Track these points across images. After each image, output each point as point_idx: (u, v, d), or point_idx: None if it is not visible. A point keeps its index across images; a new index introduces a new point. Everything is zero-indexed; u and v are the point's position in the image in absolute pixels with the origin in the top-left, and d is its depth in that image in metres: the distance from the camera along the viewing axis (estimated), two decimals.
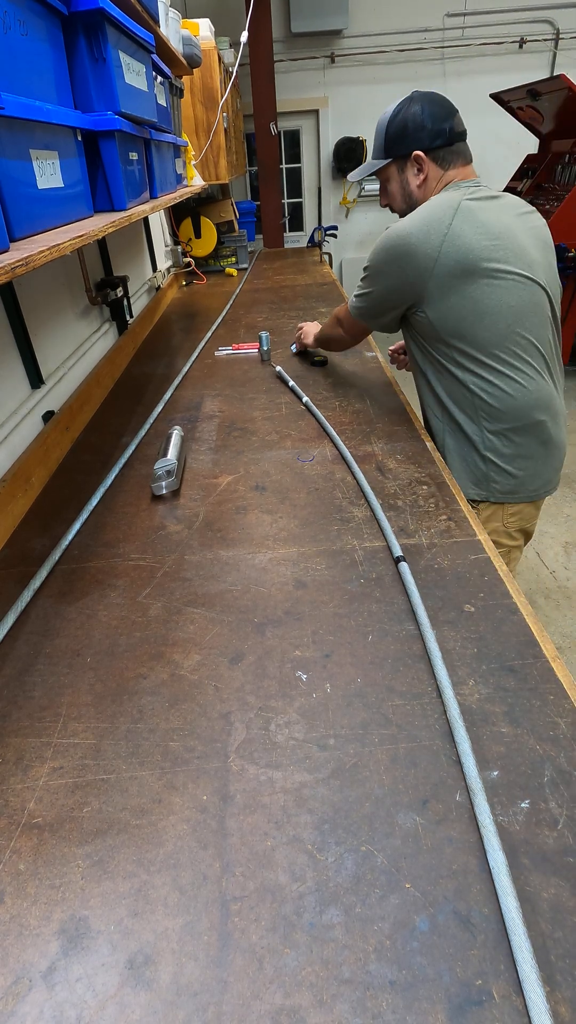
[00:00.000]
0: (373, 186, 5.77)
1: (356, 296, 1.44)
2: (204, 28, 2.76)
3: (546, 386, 1.26)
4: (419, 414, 1.48)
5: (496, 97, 4.60)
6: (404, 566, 0.93)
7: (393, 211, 1.42)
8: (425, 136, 1.25)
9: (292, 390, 1.66)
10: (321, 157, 5.73)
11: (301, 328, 1.89)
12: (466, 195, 1.21)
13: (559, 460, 1.34)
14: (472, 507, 1.32)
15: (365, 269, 1.37)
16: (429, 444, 1.33)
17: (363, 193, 5.83)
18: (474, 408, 1.27)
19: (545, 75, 5.29)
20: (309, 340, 1.82)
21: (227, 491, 1.22)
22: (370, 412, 1.50)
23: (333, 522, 1.08)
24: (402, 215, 1.34)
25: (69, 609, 0.93)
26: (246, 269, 3.56)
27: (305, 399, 1.57)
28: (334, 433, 1.38)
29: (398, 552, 0.96)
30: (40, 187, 0.88)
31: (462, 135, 1.28)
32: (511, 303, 1.19)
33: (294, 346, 1.97)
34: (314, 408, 1.51)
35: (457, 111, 1.27)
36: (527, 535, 1.40)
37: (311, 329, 1.84)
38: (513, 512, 1.33)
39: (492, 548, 0.98)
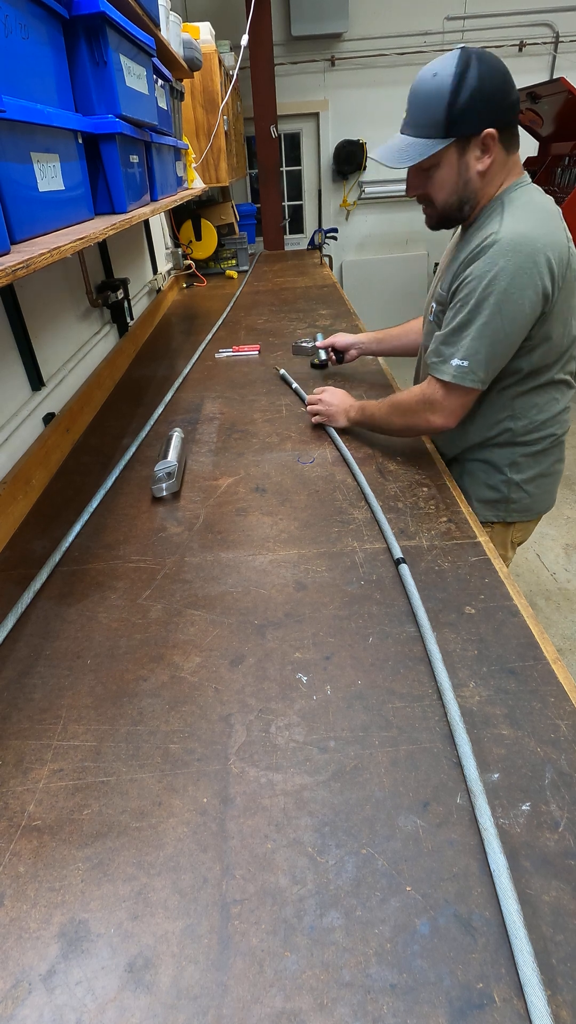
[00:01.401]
0: (373, 188, 5.78)
1: (467, 352, 1.06)
2: (204, 31, 2.77)
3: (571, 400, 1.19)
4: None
5: None
6: (404, 568, 0.93)
7: (427, 203, 1.12)
8: (496, 111, 0.98)
9: (296, 392, 1.66)
10: (321, 160, 5.74)
11: (319, 401, 1.40)
12: (541, 194, 1.07)
13: (561, 472, 1.32)
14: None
15: (472, 306, 1.04)
16: (430, 446, 1.33)
17: (363, 195, 5.84)
18: (514, 430, 1.18)
19: (545, 78, 5.29)
20: (341, 422, 1.36)
21: (227, 493, 1.22)
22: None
23: (333, 524, 1.08)
24: (446, 211, 1.11)
25: (69, 611, 0.93)
26: (246, 271, 3.57)
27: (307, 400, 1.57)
28: (335, 435, 1.38)
29: (398, 554, 0.96)
30: (41, 190, 0.89)
31: (519, 109, 1.08)
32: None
33: (317, 345, 1.77)
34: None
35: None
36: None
37: (340, 403, 1.37)
38: (519, 530, 1.32)
39: (493, 550, 0.98)
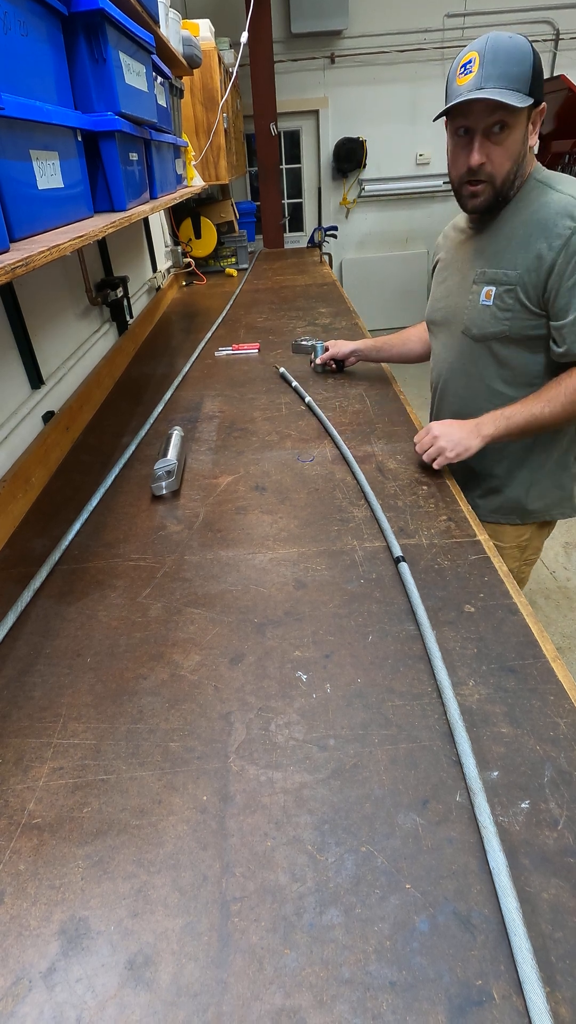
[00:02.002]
0: (373, 186, 5.77)
1: None
2: (204, 29, 2.76)
3: None
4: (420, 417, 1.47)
5: None
6: (404, 566, 0.93)
7: (488, 178, 1.08)
8: (541, 88, 1.01)
9: (295, 390, 1.66)
10: (321, 157, 5.73)
11: (433, 440, 1.16)
12: None
13: None
14: (515, 531, 1.31)
15: None
16: None
17: (363, 194, 5.83)
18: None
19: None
20: (476, 444, 1.14)
21: (227, 491, 1.22)
22: (370, 412, 1.50)
23: (333, 522, 1.08)
24: (497, 186, 1.09)
25: (69, 609, 0.93)
26: (246, 269, 3.57)
27: (308, 399, 1.57)
28: (335, 433, 1.38)
29: (398, 552, 0.96)
30: (40, 187, 0.88)
31: None
32: None
33: (316, 361, 1.76)
34: (317, 409, 1.51)
35: None
36: None
37: (460, 429, 1.15)
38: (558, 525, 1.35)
39: (492, 548, 0.98)
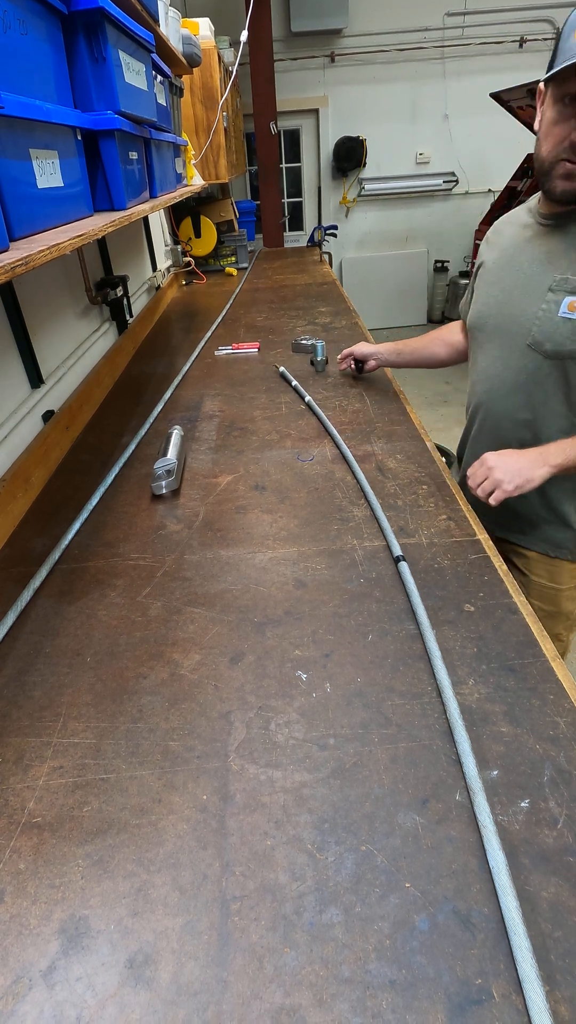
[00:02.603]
0: (373, 185, 5.77)
1: None
2: (204, 27, 2.76)
3: None
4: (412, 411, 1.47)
5: (496, 96, 4.59)
6: (404, 566, 0.93)
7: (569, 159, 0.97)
8: None
9: (295, 390, 1.66)
10: (321, 156, 5.73)
11: (488, 472, 1.03)
12: None
13: None
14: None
15: None
16: (429, 444, 1.33)
17: (363, 193, 5.83)
18: None
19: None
20: (538, 475, 1.01)
21: (227, 491, 1.22)
22: (370, 412, 1.50)
23: (333, 522, 1.08)
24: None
25: (69, 609, 0.93)
26: (246, 268, 3.56)
27: (308, 398, 1.57)
28: (335, 432, 1.38)
29: (398, 552, 0.96)
30: (40, 186, 0.88)
31: None
32: None
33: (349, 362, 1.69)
34: (316, 408, 1.51)
35: None
36: None
37: (518, 460, 1.03)
38: None
39: (492, 547, 0.98)
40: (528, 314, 1.10)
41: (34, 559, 1.04)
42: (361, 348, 1.62)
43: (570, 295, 1.02)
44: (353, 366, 1.69)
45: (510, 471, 1.01)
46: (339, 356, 1.69)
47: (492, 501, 1.01)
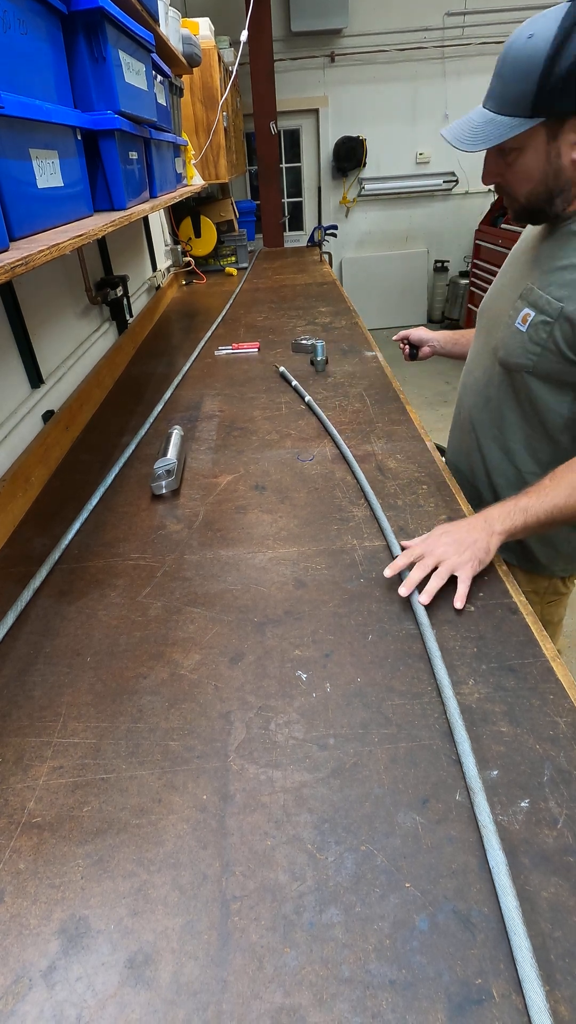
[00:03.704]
0: (373, 185, 5.77)
1: None
2: (204, 27, 2.76)
3: None
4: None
5: None
6: None
7: (507, 194, 0.95)
8: None
9: (295, 390, 1.66)
10: (321, 156, 5.73)
11: (422, 557, 0.87)
12: None
13: None
14: (529, 578, 1.18)
15: None
16: (429, 444, 1.33)
17: (363, 193, 5.83)
18: None
19: None
20: (484, 552, 0.87)
21: (227, 490, 1.22)
22: (370, 411, 1.50)
23: (333, 522, 1.08)
24: (531, 202, 0.93)
25: (69, 609, 0.93)
26: (246, 268, 3.56)
27: (308, 398, 1.57)
28: (335, 432, 1.38)
29: (398, 552, 0.96)
30: (40, 186, 0.88)
31: None
32: None
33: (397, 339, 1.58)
34: (317, 408, 1.51)
35: None
36: None
37: (464, 534, 0.89)
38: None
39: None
40: (502, 316, 1.07)
41: (34, 559, 1.04)
42: (419, 332, 1.51)
43: (528, 307, 0.99)
44: (407, 350, 1.59)
45: (459, 549, 0.86)
46: (395, 336, 1.57)
47: (433, 587, 0.84)
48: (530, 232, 1.08)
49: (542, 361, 0.98)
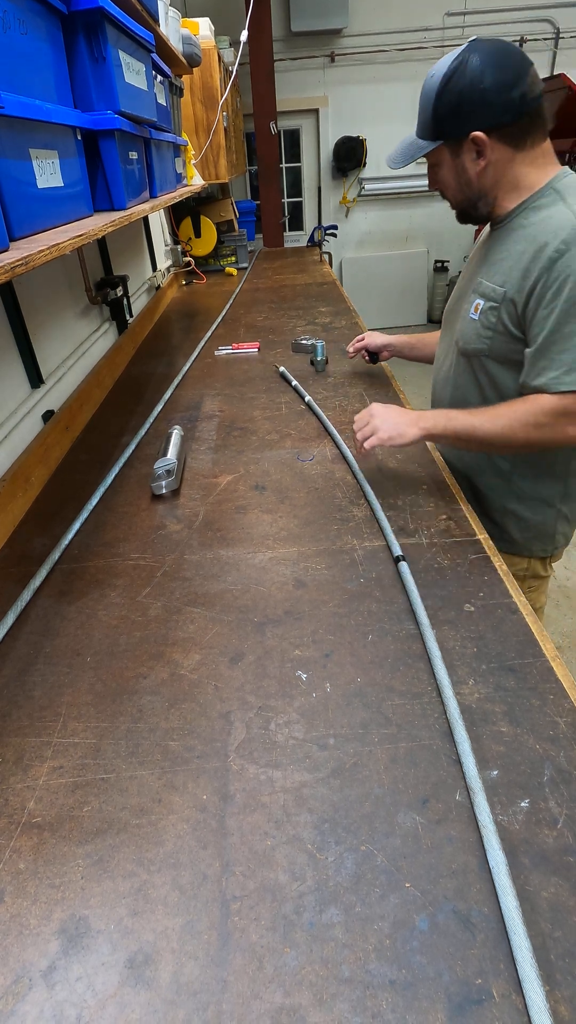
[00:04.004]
0: (373, 185, 5.77)
1: None
2: (204, 27, 2.76)
3: None
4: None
5: None
6: (404, 565, 0.93)
7: (445, 198, 1.12)
8: (487, 112, 0.94)
9: (295, 389, 1.66)
10: (321, 156, 5.73)
11: (368, 420, 1.11)
12: None
13: None
14: (509, 560, 1.20)
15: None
16: (429, 444, 1.33)
17: (363, 192, 5.83)
18: (569, 455, 1.12)
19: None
20: (411, 433, 1.08)
21: (227, 491, 1.22)
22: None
23: (333, 522, 1.08)
24: (459, 207, 1.10)
25: (69, 609, 0.93)
26: (246, 268, 3.56)
27: (308, 399, 1.57)
28: (335, 432, 1.37)
29: (398, 551, 0.96)
30: (40, 186, 0.88)
31: (537, 99, 0.95)
32: None
33: (348, 349, 1.67)
34: (317, 408, 1.51)
35: (530, 65, 0.95)
36: None
37: (400, 415, 1.10)
38: (558, 552, 1.28)
39: (492, 547, 0.98)
40: (460, 311, 1.18)
41: (34, 559, 1.04)
42: (374, 339, 1.62)
43: (479, 297, 1.10)
44: (367, 357, 1.67)
45: (388, 423, 1.09)
46: (350, 347, 1.65)
47: (366, 446, 1.10)
48: (482, 236, 1.21)
49: (495, 343, 1.09)
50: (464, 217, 1.12)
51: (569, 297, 0.93)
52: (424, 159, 1.08)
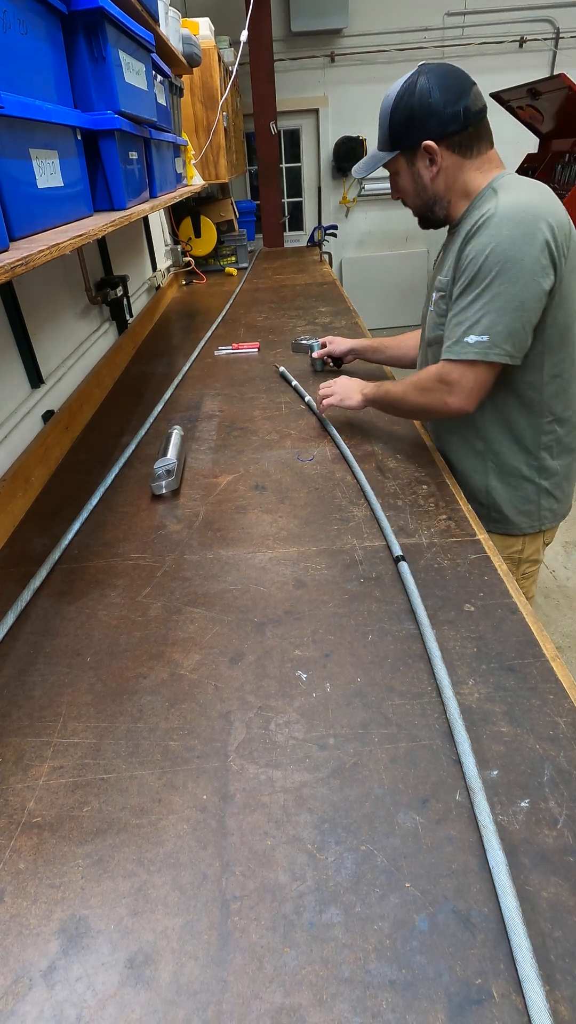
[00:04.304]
0: (373, 185, 5.76)
1: (485, 327, 1.02)
2: (204, 27, 2.76)
3: None
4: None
5: (496, 96, 4.59)
6: (404, 565, 0.93)
7: (406, 206, 1.23)
8: (435, 122, 1.05)
9: (295, 390, 1.66)
10: (321, 156, 5.72)
11: (330, 387, 1.37)
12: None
13: None
14: (503, 542, 1.28)
15: (479, 280, 1.03)
16: (429, 443, 1.33)
17: (363, 192, 5.82)
18: (538, 429, 1.17)
19: (545, 74, 5.28)
20: (356, 399, 1.32)
21: (227, 490, 1.22)
22: (370, 411, 1.50)
23: (333, 522, 1.08)
24: (419, 212, 1.20)
25: (69, 609, 0.93)
26: (246, 268, 3.56)
27: (308, 399, 1.57)
28: (335, 432, 1.38)
29: (398, 551, 0.96)
30: (40, 186, 0.88)
31: (481, 113, 1.06)
32: None
33: (313, 356, 1.77)
34: (316, 408, 1.51)
35: (473, 84, 1.06)
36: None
37: (353, 383, 1.34)
38: (549, 533, 1.32)
39: (492, 548, 0.98)
40: (427, 308, 1.30)
41: (34, 559, 1.04)
42: (338, 345, 1.71)
43: (435, 292, 1.22)
44: (331, 363, 1.75)
45: (344, 390, 1.34)
46: (315, 355, 1.75)
47: (324, 403, 1.36)
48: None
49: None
50: (424, 222, 1.22)
51: (470, 273, 1.05)
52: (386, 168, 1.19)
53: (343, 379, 1.37)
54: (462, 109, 1.04)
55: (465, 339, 1.05)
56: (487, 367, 1.06)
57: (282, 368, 1.80)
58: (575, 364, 1.13)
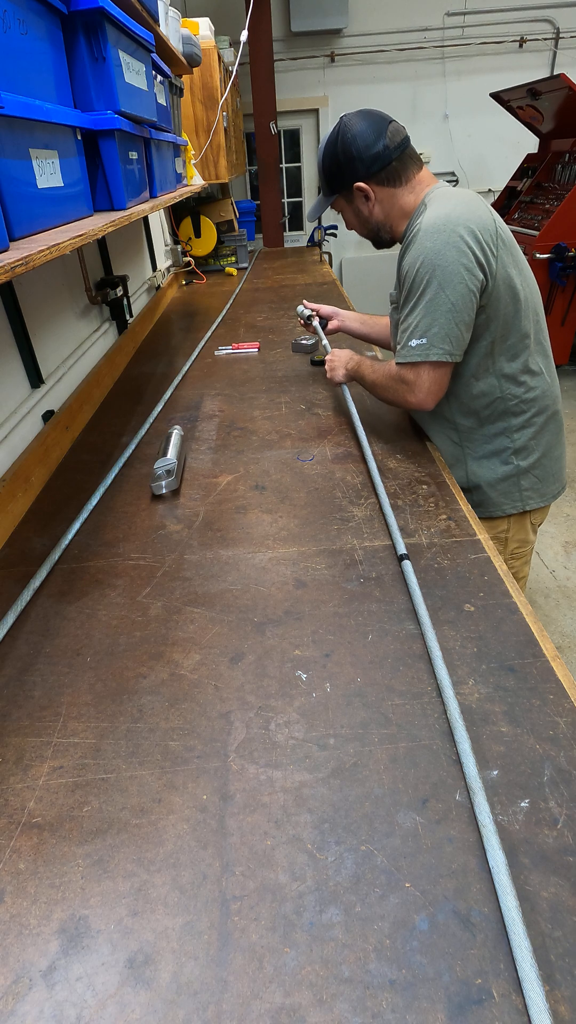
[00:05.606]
0: None
1: (422, 330, 1.13)
2: (204, 27, 2.76)
3: (554, 371, 1.28)
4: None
5: (496, 96, 4.60)
6: (407, 564, 0.93)
7: (361, 236, 1.35)
8: (360, 166, 1.17)
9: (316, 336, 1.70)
10: None
11: (330, 361, 1.49)
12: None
13: (565, 455, 1.36)
14: (490, 525, 1.33)
15: (414, 290, 1.14)
16: (429, 443, 1.33)
17: None
18: (502, 413, 1.24)
19: (545, 74, 5.28)
20: (340, 374, 1.45)
21: (227, 490, 1.22)
22: (370, 412, 1.50)
23: (333, 521, 1.08)
24: (370, 239, 1.32)
25: (69, 608, 0.93)
26: (246, 268, 3.56)
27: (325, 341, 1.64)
28: (359, 425, 1.35)
29: (402, 550, 0.96)
30: (40, 186, 0.88)
31: (402, 145, 1.17)
32: (531, 285, 1.20)
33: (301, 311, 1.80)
34: (347, 393, 1.47)
35: (389, 121, 1.17)
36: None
37: (343, 357, 1.46)
38: (537, 514, 1.35)
39: (492, 548, 0.98)
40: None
41: (34, 559, 1.04)
42: (329, 307, 1.76)
43: (392, 303, 1.35)
44: (317, 320, 1.76)
45: (335, 364, 1.47)
46: (307, 304, 1.78)
47: (327, 376, 1.50)
48: None
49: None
50: (377, 245, 1.33)
51: (407, 285, 1.16)
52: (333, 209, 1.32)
53: (339, 353, 1.47)
54: (382, 148, 1.16)
55: (409, 343, 1.16)
56: (432, 366, 1.17)
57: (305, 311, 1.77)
58: (530, 347, 1.21)
